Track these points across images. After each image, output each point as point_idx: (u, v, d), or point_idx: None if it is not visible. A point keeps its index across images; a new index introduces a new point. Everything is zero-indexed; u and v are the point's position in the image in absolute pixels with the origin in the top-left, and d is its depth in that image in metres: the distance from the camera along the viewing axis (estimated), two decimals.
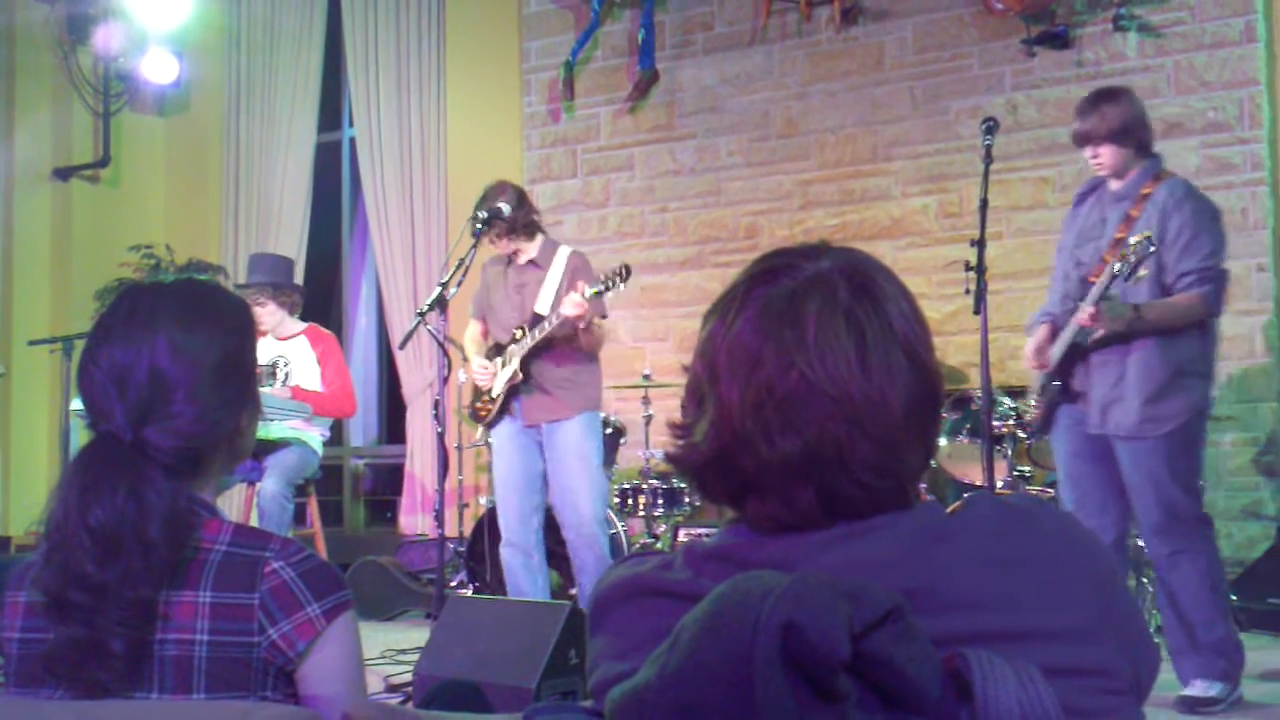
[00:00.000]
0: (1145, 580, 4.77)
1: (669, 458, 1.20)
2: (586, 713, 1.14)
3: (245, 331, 1.65)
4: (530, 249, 4.97)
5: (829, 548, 1.08)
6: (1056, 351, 4.09)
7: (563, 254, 4.97)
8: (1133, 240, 3.82)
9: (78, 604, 1.45)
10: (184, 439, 1.54)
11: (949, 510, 1.12)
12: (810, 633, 0.93)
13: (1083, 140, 4.06)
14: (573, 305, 4.56)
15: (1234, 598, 5.10)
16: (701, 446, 1.13)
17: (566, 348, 4.83)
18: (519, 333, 4.88)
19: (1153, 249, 3.79)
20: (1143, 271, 3.85)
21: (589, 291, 4.55)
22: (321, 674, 1.50)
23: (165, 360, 1.54)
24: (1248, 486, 5.93)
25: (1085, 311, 3.89)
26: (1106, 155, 4.02)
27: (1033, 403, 4.25)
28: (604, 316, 4.85)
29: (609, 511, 5.32)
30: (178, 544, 1.48)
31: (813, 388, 1.08)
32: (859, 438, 1.08)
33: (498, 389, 4.94)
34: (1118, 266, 3.82)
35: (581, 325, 4.67)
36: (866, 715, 0.94)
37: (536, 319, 4.84)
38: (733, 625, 0.96)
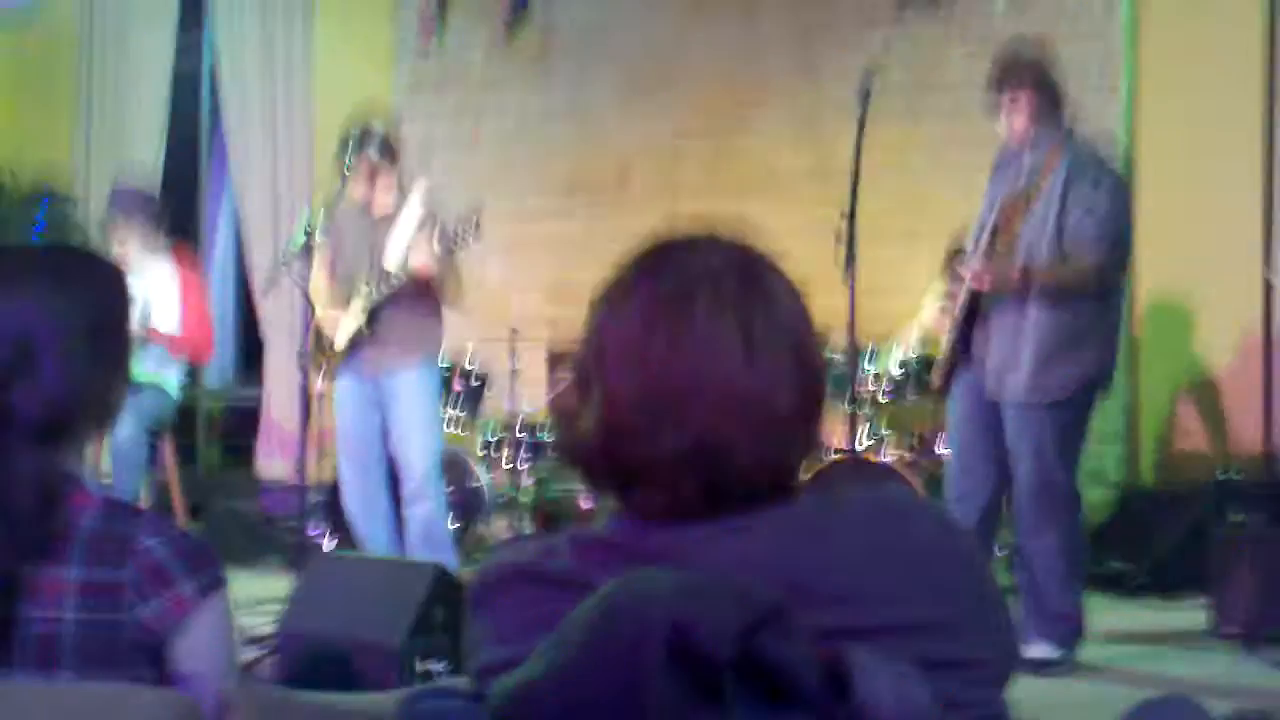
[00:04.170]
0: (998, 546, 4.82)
1: (555, 447, 1.22)
2: (467, 698, 1.15)
3: (119, 296, 1.60)
4: (388, 201, 4.82)
5: (713, 542, 1.10)
6: (957, 313, 4.01)
7: (415, 206, 4.80)
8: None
9: None
10: (52, 406, 1.49)
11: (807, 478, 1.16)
12: (697, 633, 0.95)
13: (1002, 81, 3.90)
14: (419, 259, 4.53)
15: None
16: (588, 437, 1.14)
17: (412, 300, 4.74)
18: (365, 287, 4.75)
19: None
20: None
21: (437, 248, 4.51)
22: (193, 652, 1.49)
23: (34, 324, 1.50)
24: (1093, 454, 6.15)
25: (969, 269, 3.86)
26: (1024, 100, 3.87)
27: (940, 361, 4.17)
28: (453, 267, 4.72)
29: (474, 464, 5.28)
30: (45, 517, 1.43)
31: (700, 383, 1.10)
32: (745, 433, 1.10)
33: (340, 342, 4.82)
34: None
35: (434, 282, 4.61)
36: (750, 714, 0.97)
37: (383, 274, 4.72)
38: (621, 624, 0.98)
